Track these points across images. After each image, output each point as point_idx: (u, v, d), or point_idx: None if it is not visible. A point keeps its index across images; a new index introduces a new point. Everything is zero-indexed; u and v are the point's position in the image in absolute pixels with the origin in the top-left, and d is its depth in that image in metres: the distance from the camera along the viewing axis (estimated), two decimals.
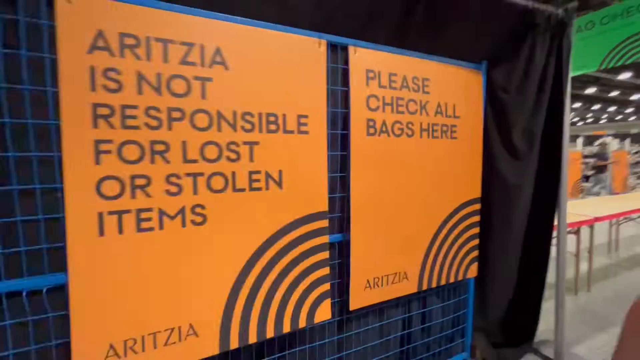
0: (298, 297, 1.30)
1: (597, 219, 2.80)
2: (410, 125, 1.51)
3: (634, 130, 21.14)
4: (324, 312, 1.37)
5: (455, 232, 1.71)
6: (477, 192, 1.79)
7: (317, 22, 1.29)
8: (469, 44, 1.66)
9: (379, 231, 1.47)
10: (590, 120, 28.97)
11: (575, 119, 26.44)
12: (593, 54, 6.57)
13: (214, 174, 1.12)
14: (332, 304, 1.42)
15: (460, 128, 1.68)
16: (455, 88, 1.63)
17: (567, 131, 1.84)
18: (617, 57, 5.94)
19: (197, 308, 1.11)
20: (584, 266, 3.03)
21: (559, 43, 1.82)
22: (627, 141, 7.74)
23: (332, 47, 1.33)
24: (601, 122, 29.90)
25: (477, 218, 1.79)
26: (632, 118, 26.71)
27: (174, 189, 1.06)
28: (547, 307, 2.14)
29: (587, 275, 3.06)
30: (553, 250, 1.93)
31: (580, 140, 7.24)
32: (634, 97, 17.95)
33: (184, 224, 1.08)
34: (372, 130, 1.41)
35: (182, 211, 1.07)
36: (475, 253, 1.81)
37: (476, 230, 1.79)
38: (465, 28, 1.60)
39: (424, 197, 1.59)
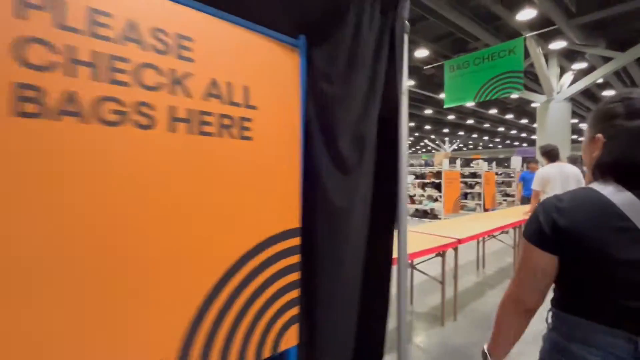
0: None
1: (460, 241, 2.64)
2: (144, 109, 0.83)
3: (500, 156, 25.53)
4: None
5: (255, 284, 1.07)
6: (294, 221, 1.20)
7: None
8: (279, 5, 1.15)
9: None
10: (471, 147, 34.22)
11: (461, 145, 30.84)
12: (468, 88, 7.24)
13: None
14: None
15: (259, 124, 1.08)
16: (248, 64, 1.05)
17: (404, 138, 1.43)
18: (486, 93, 6.61)
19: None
20: (450, 291, 2.87)
21: (392, 23, 1.39)
22: (494, 164, 9.04)
23: None
24: (478, 148, 35.56)
25: (295, 258, 1.19)
26: (500, 146, 32.46)
27: None
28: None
29: (453, 302, 2.88)
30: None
31: (458, 162, 8.11)
32: (500, 129, 21.65)
33: None
34: (30, 108, 0.67)
35: None
36: (295, 310, 1.20)
37: (295, 276, 1.19)
38: None
39: (177, 234, 0.89)
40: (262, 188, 1.10)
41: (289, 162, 1.19)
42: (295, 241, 1.20)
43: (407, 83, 1.47)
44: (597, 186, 0.73)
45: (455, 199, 7.35)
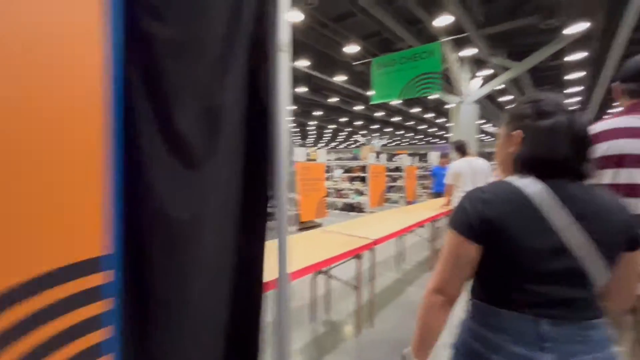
0: None
1: (376, 242, 2.47)
2: None
3: (423, 152, 27.95)
4: None
5: None
6: (92, 247, 0.68)
7: None
8: None
9: None
10: (398, 142, 36.78)
11: (389, 141, 32.93)
12: (394, 86, 7.54)
13: None
14: None
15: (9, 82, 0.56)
16: None
17: (283, 113, 1.03)
18: (409, 92, 6.94)
19: None
20: (368, 294, 2.73)
21: None
22: (416, 159, 9.75)
23: None
24: (404, 144, 38.42)
25: (95, 309, 0.69)
26: (422, 143, 35.48)
27: None
28: None
29: (370, 307, 2.71)
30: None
31: (383, 156, 8.50)
32: (422, 126, 23.57)
33: None
34: None
35: None
36: None
37: (94, 338, 0.69)
38: None
39: None
40: (19, 194, 0.58)
41: (85, 149, 0.67)
42: (96, 279, 0.69)
43: (286, 35, 1.06)
44: (514, 179, 0.79)
45: (380, 192, 7.67)
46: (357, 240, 2.41)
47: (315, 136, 32.88)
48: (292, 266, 1.65)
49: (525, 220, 0.74)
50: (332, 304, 3.01)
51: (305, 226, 6.28)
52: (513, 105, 0.89)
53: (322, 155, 6.62)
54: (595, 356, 0.72)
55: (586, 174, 0.77)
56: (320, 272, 2.54)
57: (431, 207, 4.39)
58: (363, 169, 8.03)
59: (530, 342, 0.73)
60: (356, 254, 2.27)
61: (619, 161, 1.22)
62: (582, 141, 0.77)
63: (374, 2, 6.24)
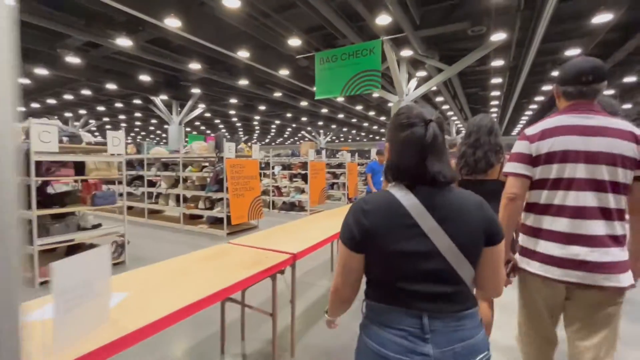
0: None
1: (296, 257, 2.07)
2: None
3: (366, 148, 28.99)
4: None
5: None
6: None
7: None
8: None
9: None
10: (342, 139, 37.59)
11: (334, 137, 33.49)
12: (336, 82, 7.48)
13: None
14: None
15: None
16: None
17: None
18: (351, 88, 6.93)
19: None
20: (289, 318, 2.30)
21: None
22: (356, 155, 9.86)
23: None
24: (348, 141, 39.46)
25: None
26: (365, 140, 36.77)
27: None
28: None
29: (290, 332, 2.29)
30: None
31: (324, 153, 8.46)
32: (365, 124, 24.34)
33: None
34: None
35: None
36: None
37: None
38: None
39: None
40: None
41: None
42: None
43: None
44: (392, 189, 0.88)
45: (321, 190, 7.61)
46: (274, 255, 2.01)
47: (259, 132, 32.01)
48: (187, 291, 1.37)
49: (400, 227, 0.83)
50: (246, 332, 2.52)
51: (238, 229, 5.81)
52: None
53: (256, 150, 6.25)
54: (468, 343, 0.81)
55: (445, 179, 0.84)
56: (228, 300, 2.16)
57: None
58: (304, 165, 7.83)
59: (415, 335, 0.81)
60: (273, 273, 1.88)
61: (563, 156, 1.27)
62: (433, 149, 0.84)
63: None
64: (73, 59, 10.04)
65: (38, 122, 3.12)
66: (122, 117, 21.48)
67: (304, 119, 22.05)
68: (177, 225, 6.37)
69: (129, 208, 7.57)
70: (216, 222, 5.83)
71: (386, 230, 0.82)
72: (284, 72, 10.77)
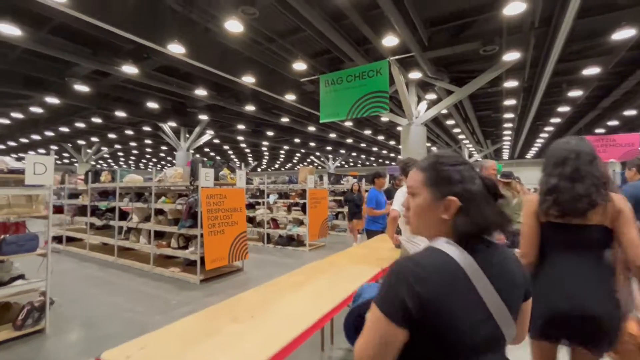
0: None
1: (285, 352, 1.30)
2: None
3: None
4: None
5: None
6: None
7: None
8: None
9: None
10: (352, 164, 37.36)
11: (343, 162, 33.25)
12: (342, 105, 7.18)
13: None
14: None
15: None
16: None
17: None
18: (357, 110, 6.59)
19: None
20: None
21: None
22: (363, 181, 9.18)
23: None
24: (358, 166, 39.19)
25: None
26: (375, 164, 36.41)
27: None
28: None
29: None
30: None
31: (326, 178, 7.66)
32: (374, 148, 24.08)
33: None
34: None
35: None
36: None
37: None
38: None
39: None
40: None
41: None
42: None
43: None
44: (446, 247, 0.76)
45: (323, 222, 6.77)
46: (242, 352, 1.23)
47: (268, 158, 32.10)
48: None
49: (461, 294, 0.72)
50: None
51: (217, 274, 4.76)
52: (425, 164, 0.87)
53: (242, 177, 5.22)
54: None
55: (502, 231, 0.80)
56: None
57: (377, 256, 2.99)
58: (303, 194, 6.99)
59: None
60: None
61: None
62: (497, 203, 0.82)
63: (321, 17, 5.95)
64: (82, 87, 10.16)
65: None
66: (132, 144, 21.80)
67: (312, 144, 21.94)
68: (147, 266, 5.30)
69: (104, 244, 6.69)
70: (192, 264, 4.73)
71: (447, 300, 0.70)
72: (290, 97, 10.65)
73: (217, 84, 10.34)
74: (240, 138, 19.06)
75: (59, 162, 29.71)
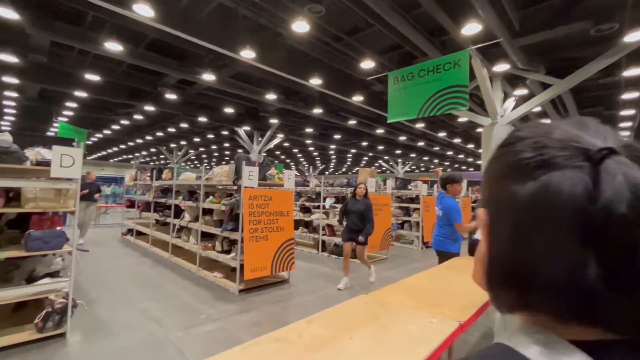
0: None
1: None
2: None
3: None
4: None
5: None
6: None
7: None
8: None
9: None
10: (423, 169, 35.23)
11: (413, 167, 31.51)
12: (412, 102, 6.54)
13: None
14: None
15: None
16: None
17: None
18: (430, 108, 5.91)
19: None
20: None
21: None
22: (435, 187, 8.13)
23: None
24: (430, 171, 36.81)
25: None
26: (449, 169, 33.68)
27: None
28: None
29: None
30: None
31: (390, 183, 6.79)
32: (449, 152, 22.21)
33: None
34: None
35: None
36: None
37: None
38: None
39: None
40: None
41: None
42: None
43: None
44: (519, 341, 0.34)
45: (385, 232, 5.94)
46: None
47: (335, 161, 32.16)
48: None
49: None
50: None
51: (259, 284, 4.37)
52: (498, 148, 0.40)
53: (290, 178, 4.58)
54: None
55: None
56: None
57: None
58: None
59: None
60: None
61: None
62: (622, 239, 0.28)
63: (390, 8, 5.50)
64: (171, 96, 11.40)
65: None
66: (213, 147, 23.93)
67: (380, 147, 21.20)
68: (194, 267, 5.09)
69: (163, 240, 6.52)
70: (234, 270, 4.29)
71: None
72: (357, 99, 10.32)
73: (286, 87, 10.57)
74: (309, 141, 19.38)
75: (156, 162, 34.35)
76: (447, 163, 29.96)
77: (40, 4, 6.53)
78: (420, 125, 14.34)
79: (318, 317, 1.57)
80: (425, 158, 25.85)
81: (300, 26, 6.08)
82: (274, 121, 14.58)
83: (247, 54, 7.16)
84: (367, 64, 7.88)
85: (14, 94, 12.41)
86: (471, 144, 18.56)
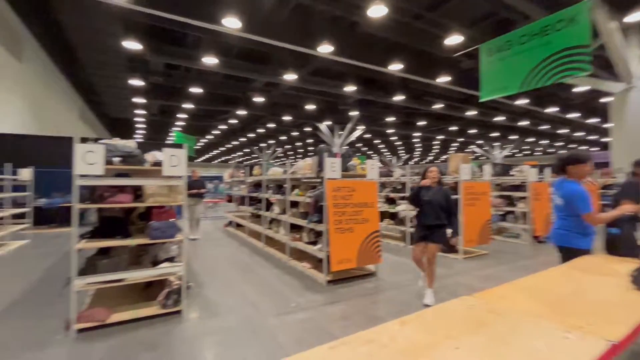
0: None
1: None
2: None
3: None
4: None
5: None
6: None
7: None
8: None
9: None
10: (527, 152, 30.54)
11: (514, 151, 27.56)
12: (512, 75, 5.67)
13: None
14: None
15: None
16: None
17: None
18: (537, 79, 5.00)
19: None
20: None
21: None
22: (547, 171, 6.71)
23: None
24: (535, 154, 31.67)
25: None
26: (563, 151, 28.41)
27: None
28: None
29: None
30: None
31: (487, 168, 5.61)
32: (562, 130, 18.72)
33: None
34: None
35: None
36: None
37: None
38: None
39: None
40: None
41: None
42: None
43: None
44: None
45: (484, 224, 5.16)
46: None
47: (420, 149, 30.37)
48: None
49: None
50: None
51: (346, 276, 4.37)
52: None
53: (374, 169, 4.37)
54: None
55: None
56: None
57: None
58: (454, 187, 5.41)
59: None
60: None
61: None
62: None
63: None
64: (259, 99, 12.35)
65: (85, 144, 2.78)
66: (298, 143, 25.17)
67: (472, 131, 19.13)
68: (285, 257, 5.37)
69: (257, 232, 6.97)
70: (321, 261, 4.35)
71: None
72: (443, 79, 9.45)
73: (365, 78, 10.35)
74: (390, 131, 18.72)
75: (250, 160, 37.98)
76: (559, 143, 25.34)
77: (153, 33, 7.76)
78: (521, 102, 12.38)
79: (413, 318, 1.40)
80: (531, 139, 22.32)
81: (377, 10, 5.82)
82: (353, 113, 14.50)
83: (325, 49, 7.21)
84: (454, 39, 7.10)
85: (143, 111, 15.21)
86: (593, 117, 15.24)
